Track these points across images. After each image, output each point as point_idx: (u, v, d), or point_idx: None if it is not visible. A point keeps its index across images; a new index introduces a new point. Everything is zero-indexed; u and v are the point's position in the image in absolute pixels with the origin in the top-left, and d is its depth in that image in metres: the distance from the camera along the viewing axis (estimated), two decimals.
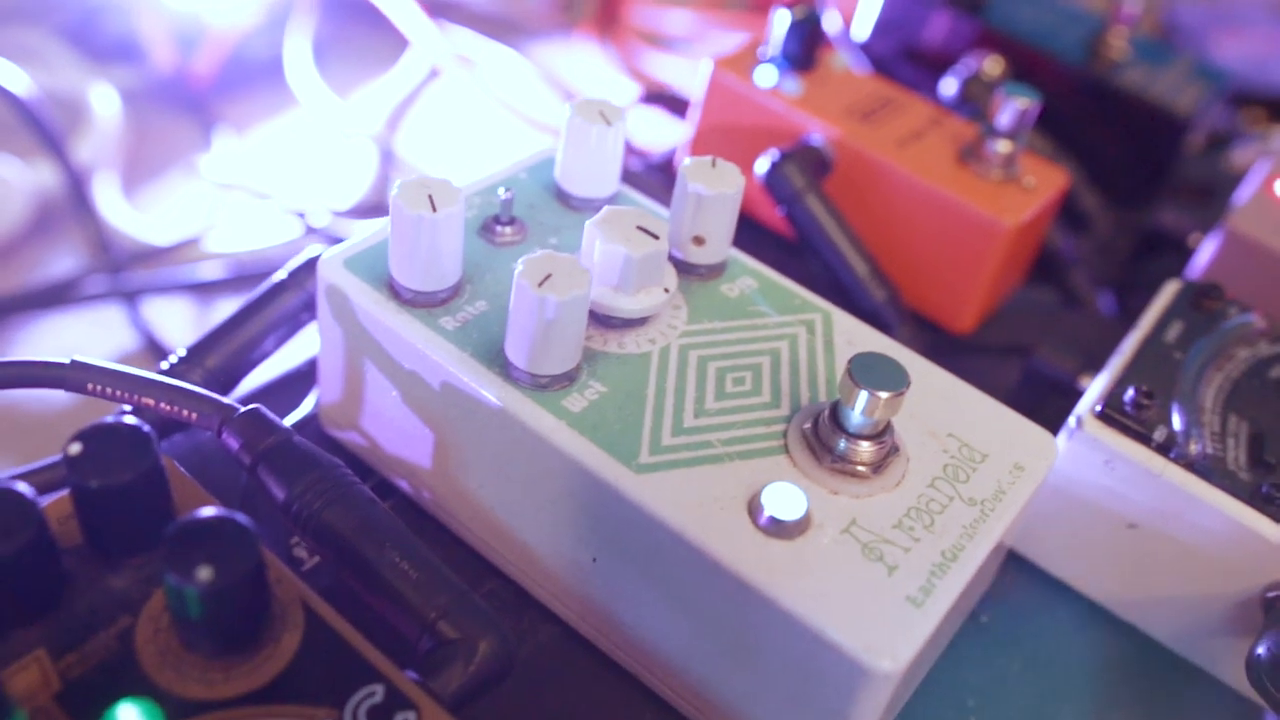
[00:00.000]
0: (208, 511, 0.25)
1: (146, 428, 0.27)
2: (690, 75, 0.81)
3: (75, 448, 0.26)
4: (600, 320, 0.34)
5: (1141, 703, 0.38)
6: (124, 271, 0.60)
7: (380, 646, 0.27)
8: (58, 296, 0.58)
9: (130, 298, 0.59)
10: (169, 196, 0.66)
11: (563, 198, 0.38)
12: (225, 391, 0.37)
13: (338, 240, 0.61)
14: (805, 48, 0.50)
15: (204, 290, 0.60)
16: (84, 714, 0.25)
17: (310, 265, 0.38)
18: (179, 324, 0.58)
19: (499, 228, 0.36)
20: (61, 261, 0.60)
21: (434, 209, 0.31)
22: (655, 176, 0.56)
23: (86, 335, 0.57)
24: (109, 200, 0.63)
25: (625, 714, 0.34)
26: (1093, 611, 0.40)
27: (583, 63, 0.84)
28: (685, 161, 0.35)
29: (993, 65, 0.58)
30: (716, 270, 0.37)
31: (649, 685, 0.34)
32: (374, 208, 0.68)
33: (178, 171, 0.68)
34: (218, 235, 0.63)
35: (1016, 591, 0.40)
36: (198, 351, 0.37)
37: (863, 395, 0.30)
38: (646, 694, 0.34)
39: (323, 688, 0.26)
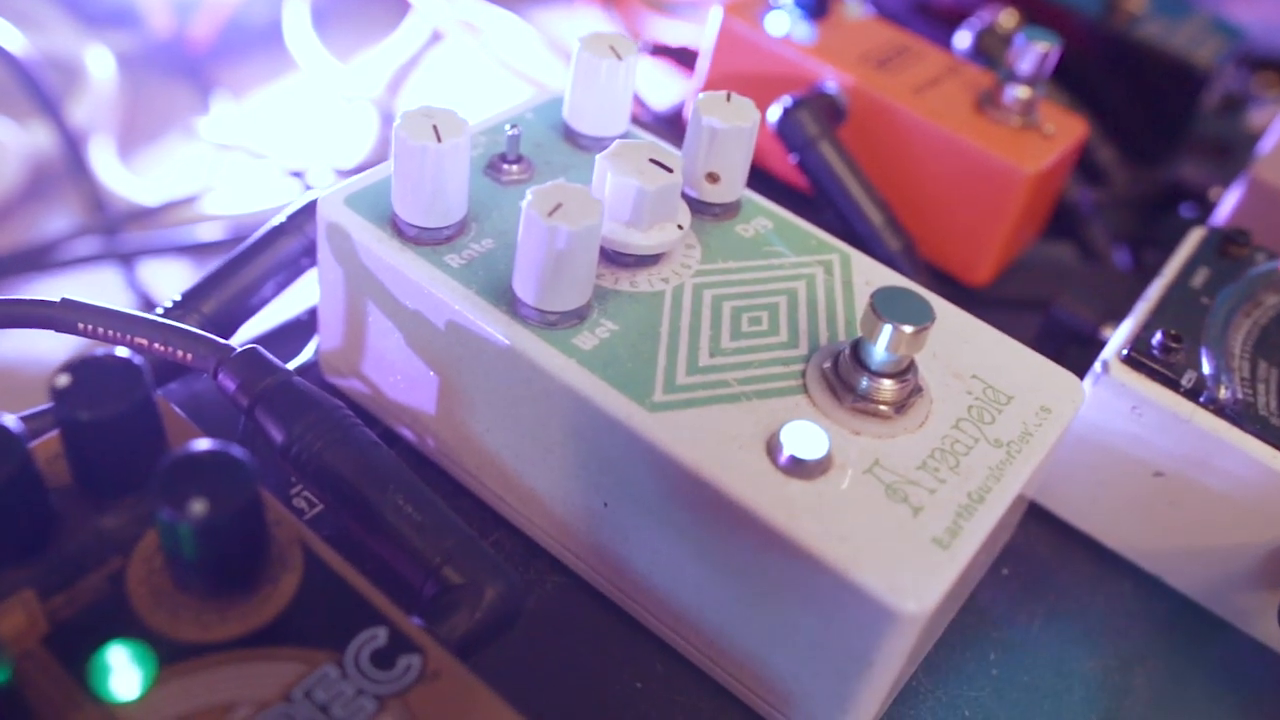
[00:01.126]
0: (202, 444, 0.24)
1: (138, 359, 0.25)
2: (693, 40, 0.79)
3: (63, 379, 0.25)
4: (611, 258, 0.32)
5: (1166, 658, 0.37)
6: (119, 233, 0.58)
7: (383, 593, 0.26)
8: (53, 258, 0.57)
9: (126, 259, 0.57)
10: (166, 159, 0.65)
11: (571, 137, 0.37)
12: (222, 339, 0.36)
13: None
14: None
15: (201, 252, 0.59)
16: (73, 656, 0.24)
17: (309, 210, 0.37)
18: (176, 286, 0.57)
19: (505, 166, 0.35)
20: (57, 223, 0.59)
21: (439, 139, 0.30)
22: (664, 128, 0.54)
23: (82, 297, 0.55)
24: (104, 162, 0.62)
25: (636, 664, 0.33)
26: (1117, 564, 0.39)
27: (585, 27, 0.83)
28: (700, 96, 0.34)
29: (1008, 18, 0.56)
30: (731, 210, 0.35)
31: (660, 635, 0.33)
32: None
33: (175, 135, 0.67)
34: (216, 197, 0.62)
35: (1039, 545, 0.39)
36: (193, 297, 0.36)
37: (887, 329, 0.29)
38: (657, 644, 0.33)
39: (323, 630, 0.25)
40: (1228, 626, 0.38)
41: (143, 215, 0.60)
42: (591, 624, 0.33)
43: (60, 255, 0.57)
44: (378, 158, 0.68)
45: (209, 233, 0.59)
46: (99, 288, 0.56)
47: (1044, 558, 0.39)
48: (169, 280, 0.57)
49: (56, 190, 0.61)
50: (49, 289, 0.56)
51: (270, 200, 0.62)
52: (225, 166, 0.64)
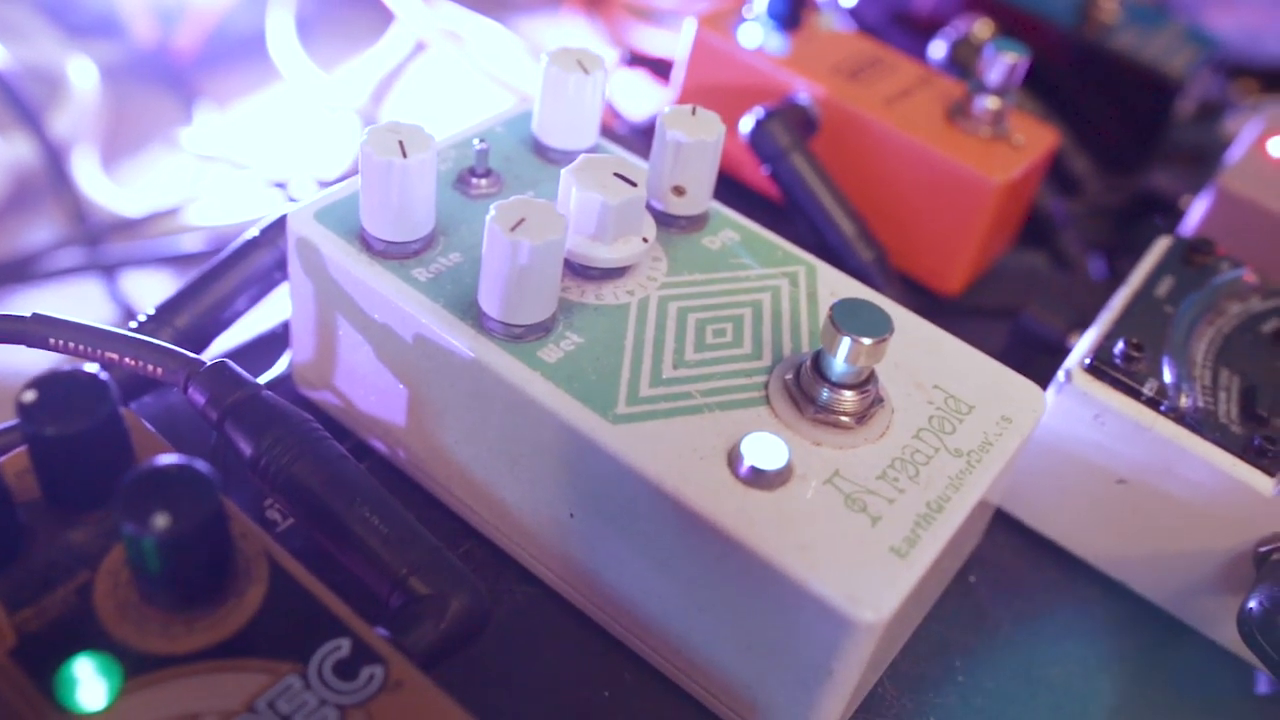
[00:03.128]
0: (165, 458, 0.24)
1: (104, 375, 0.26)
2: (672, 50, 0.80)
3: (29, 395, 0.25)
4: (577, 271, 0.33)
5: (1131, 662, 0.37)
6: (102, 244, 0.59)
7: (351, 607, 0.26)
8: (34, 269, 0.57)
9: (109, 270, 0.58)
10: (149, 170, 0.65)
11: (540, 150, 0.37)
12: (196, 352, 0.36)
13: None
14: (792, 5, 0.49)
15: (184, 262, 0.60)
16: (40, 669, 0.24)
17: (281, 223, 0.37)
18: (158, 297, 0.57)
19: (474, 180, 0.35)
20: (38, 235, 0.60)
21: (404, 155, 0.30)
22: (639, 140, 0.55)
23: (64, 308, 0.56)
24: (87, 173, 0.62)
25: (604, 674, 0.33)
26: (1082, 571, 0.39)
27: (570, 37, 0.83)
28: (665, 110, 0.34)
29: (982, 28, 0.57)
30: (698, 222, 0.36)
31: (628, 644, 0.33)
32: None
33: (158, 146, 0.67)
34: (198, 208, 0.62)
35: (1005, 552, 0.39)
36: (167, 310, 0.36)
37: (845, 342, 0.29)
38: (626, 653, 0.33)
39: (287, 642, 0.25)
40: (1191, 631, 0.38)
41: (125, 226, 0.60)
42: (560, 633, 0.34)
43: (42, 267, 0.57)
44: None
45: (191, 244, 0.60)
46: (81, 299, 0.57)
47: (1010, 565, 0.39)
48: (151, 291, 0.58)
49: (38, 201, 0.61)
50: (31, 301, 0.56)
51: (253, 211, 0.62)
52: (208, 177, 0.65)
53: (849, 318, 0.29)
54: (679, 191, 0.35)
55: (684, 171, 0.34)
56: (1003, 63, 0.45)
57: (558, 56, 0.35)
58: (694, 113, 0.34)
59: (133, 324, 0.36)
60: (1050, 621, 0.38)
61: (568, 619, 0.34)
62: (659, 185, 0.35)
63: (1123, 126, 0.58)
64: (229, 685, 0.24)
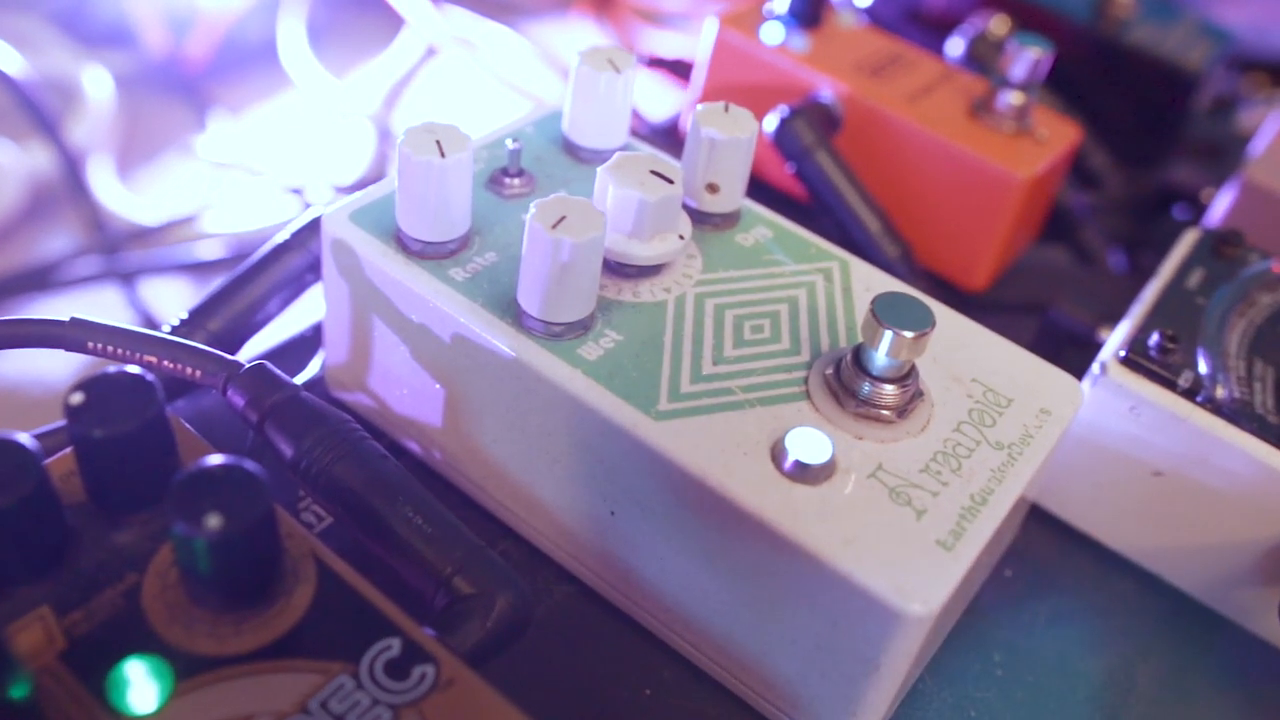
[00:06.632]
0: (214, 459, 0.24)
1: (150, 376, 0.26)
2: (687, 51, 0.80)
3: (77, 397, 0.25)
4: (614, 269, 0.33)
5: (1169, 655, 0.37)
6: (120, 252, 0.59)
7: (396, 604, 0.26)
8: (54, 278, 0.57)
9: (127, 278, 0.58)
10: (164, 178, 0.65)
11: (571, 150, 0.37)
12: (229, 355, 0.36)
13: None
14: (812, 4, 0.49)
15: (201, 270, 0.60)
16: (90, 672, 0.24)
17: (313, 226, 0.37)
18: (177, 304, 0.58)
19: (507, 180, 0.35)
20: (57, 244, 0.60)
21: (442, 155, 0.30)
22: (660, 140, 0.55)
23: (85, 316, 0.56)
24: (104, 182, 0.62)
25: (644, 671, 0.33)
26: (1118, 564, 0.39)
27: (580, 40, 0.83)
28: (698, 108, 0.34)
29: (999, 24, 0.57)
30: (731, 219, 0.36)
31: (668, 641, 0.33)
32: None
33: (173, 154, 0.67)
34: (215, 215, 0.62)
35: (1040, 546, 0.39)
36: (200, 314, 0.36)
37: (887, 335, 0.29)
38: (666, 650, 0.33)
39: (337, 642, 0.25)
40: (1229, 623, 0.38)
41: (143, 234, 0.60)
42: (600, 632, 0.34)
43: (61, 275, 0.57)
44: (375, 173, 0.68)
45: (209, 251, 0.60)
46: (100, 307, 0.57)
47: (1046, 559, 0.39)
48: (170, 298, 0.58)
49: (56, 210, 0.61)
50: (51, 309, 0.56)
51: (269, 217, 0.62)
52: (223, 184, 0.65)
53: (891, 311, 0.29)
54: (713, 189, 0.35)
55: (718, 169, 0.34)
56: (1027, 58, 0.45)
57: (589, 56, 0.35)
58: (727, 110, 0.34)
59: (166, 327, 0.36)
60: (1087, 615, 0.38)
61: (606, 617, 0.34)
62: (693, 182, 0.35)
63: (1140, 120, 0.58)
64: (281, 686, 0.24)
